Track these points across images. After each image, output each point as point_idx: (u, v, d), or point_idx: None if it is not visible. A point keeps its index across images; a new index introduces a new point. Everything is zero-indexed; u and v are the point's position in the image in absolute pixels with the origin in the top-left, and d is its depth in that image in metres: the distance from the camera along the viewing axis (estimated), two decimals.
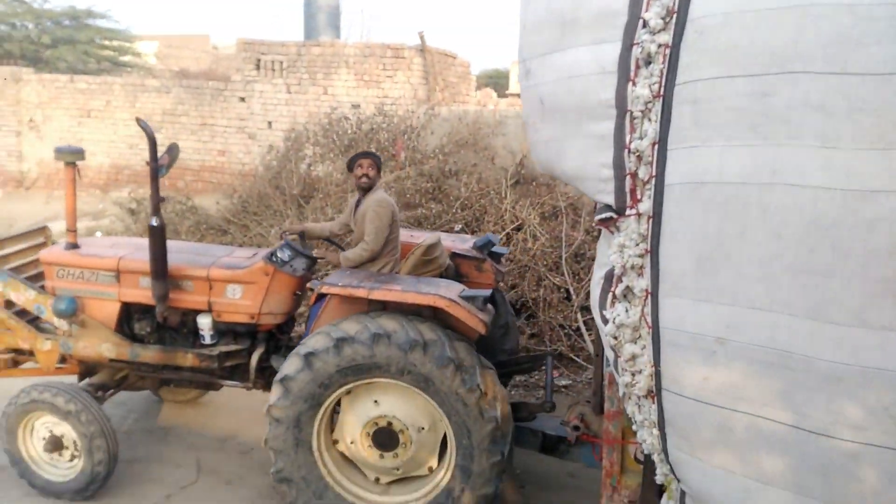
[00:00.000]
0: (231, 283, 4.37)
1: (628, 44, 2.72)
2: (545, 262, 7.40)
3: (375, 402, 3.93)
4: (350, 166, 4.46)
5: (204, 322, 4.40)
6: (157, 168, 4.18)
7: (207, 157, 12.96)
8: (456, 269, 4.51)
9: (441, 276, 4.28)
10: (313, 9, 14.01)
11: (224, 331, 4.50)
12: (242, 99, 12.53)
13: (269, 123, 12.30)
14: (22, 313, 4.75)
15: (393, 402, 3.90)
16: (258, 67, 12.31)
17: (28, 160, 14.11)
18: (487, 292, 3.94)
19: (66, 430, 4.31)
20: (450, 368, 3.64)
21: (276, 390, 3.90)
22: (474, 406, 3.66)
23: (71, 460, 4.38)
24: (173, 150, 4.29)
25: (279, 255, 4.38)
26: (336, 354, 3.74)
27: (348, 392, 3.96)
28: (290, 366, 3.85)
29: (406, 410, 3.89)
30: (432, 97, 11.25)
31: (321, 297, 4.03)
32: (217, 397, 5.69)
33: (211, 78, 14.45)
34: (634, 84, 2.70)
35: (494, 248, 4.65)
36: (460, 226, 8.08)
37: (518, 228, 7.92)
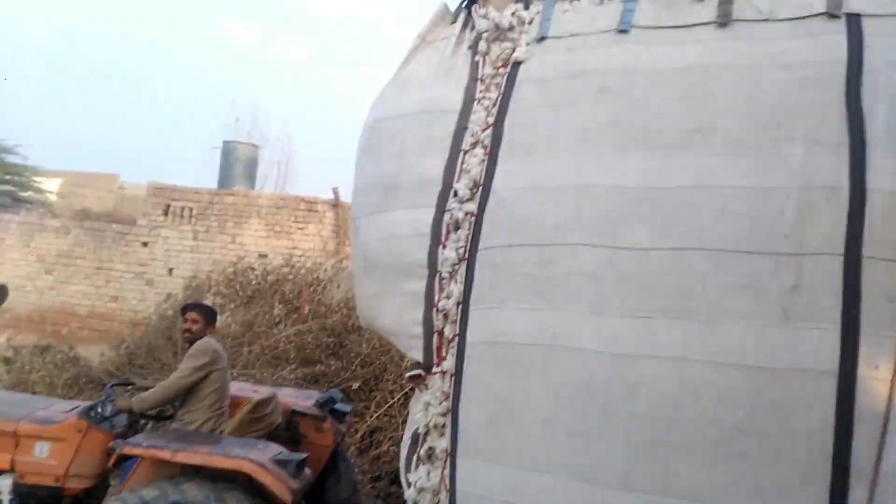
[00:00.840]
0: (40, 440, 4.13)
1: (441, 210, 3.09)
2: None
3: None
4: (183, 314, 4.55)
5: (3, 484, 4.10)
6: None
7: (98, 302, 12.91)
8: (294, 427, 4.49)
9: (270, 435, 4.22)
10: (231, 158, 14.65)
11: (26, 494, 4.17)
12: (145, 244, 12.73)
13: (170, 270, 12.45)
14: None
15: None
16: (167, 213, 12.64)
17: None
18: (302, 456, 3.85)
19: None
20: None
21: None
22: None
23: None
24: (2, 291, 4.32)
25: (99, 409, 4.19)
26: None
27: None
28: None
29: None
30: (341, 251, 11.67)
31: (125, 458, 3.86)
32: None
33: (114, 219, 14.68)
34: (444, 247, 3.05)
35: (337, 406, 4.67)
36: (358, 384, 8.16)
37: None
